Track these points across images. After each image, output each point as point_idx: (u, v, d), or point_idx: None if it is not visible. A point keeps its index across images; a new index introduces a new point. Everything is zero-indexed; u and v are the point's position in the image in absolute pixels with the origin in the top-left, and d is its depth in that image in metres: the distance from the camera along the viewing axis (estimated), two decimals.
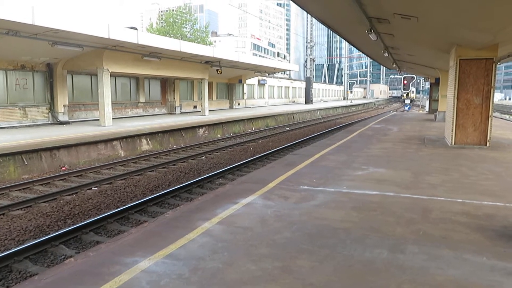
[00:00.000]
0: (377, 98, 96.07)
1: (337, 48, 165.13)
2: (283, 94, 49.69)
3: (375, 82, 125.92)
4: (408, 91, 45.25)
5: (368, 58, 43.25)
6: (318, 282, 3.37)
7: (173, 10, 55.87)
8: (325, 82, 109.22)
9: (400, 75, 47.14)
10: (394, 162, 9.07)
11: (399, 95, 72.76)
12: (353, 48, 29.04)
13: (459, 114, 11.37)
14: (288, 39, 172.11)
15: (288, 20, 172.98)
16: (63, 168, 11.86)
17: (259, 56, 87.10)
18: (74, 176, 10.83)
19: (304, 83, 51.32)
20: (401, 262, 3.73)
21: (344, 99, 77.67)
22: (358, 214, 5.18)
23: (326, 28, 14.14)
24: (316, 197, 6.02)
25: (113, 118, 17.87)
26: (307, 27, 51.89)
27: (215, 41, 79.80)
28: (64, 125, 17.12)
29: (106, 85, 16.96)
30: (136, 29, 17.85)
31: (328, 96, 72.69)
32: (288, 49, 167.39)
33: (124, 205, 7.95)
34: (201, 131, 19.48)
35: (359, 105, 59.32)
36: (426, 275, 3.47)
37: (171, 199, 8.59)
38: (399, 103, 70.05)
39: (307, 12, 12.64)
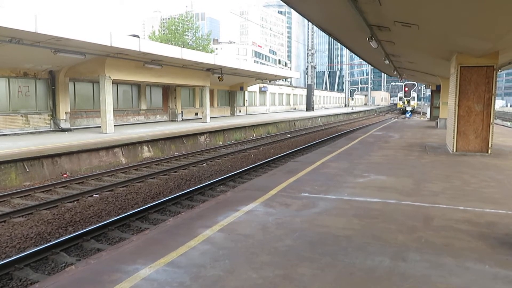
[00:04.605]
0: (378, 105, 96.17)
1: (338, 55, 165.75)
2: (284, 101, 49.80)
3: (376, 89, 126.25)
4: (409, 98, 45.15)
5: (369, 65, 43.39)
6: None
7: (175, 18, 56.17)
8: (326, 89, 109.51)
9: (401, 82, 47.17)
10: (395, 169, 9.06)
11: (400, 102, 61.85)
12: (354, 55, 29.15)
13: (460, 121, 11.37)
14: (289, 47, 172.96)
15: (289, 27, 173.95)
16: (65, 175, 11.87)
17: (260, 63, 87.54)
18: (76, 183, 10.84)
19: (305, 90, 51.42)
20: (403, 270, 3.71)
21: (345, 106, 77.77)
22: (360, 222, 5.17)
23: (327, 36, 14.22)
24: (318, 204, 6.01)
25: (114, 125, 17.92)
26: (308, 35, 52.09)
27: (216, 49, 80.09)
28: (66, 132, 17.16)
29: (108, 92, 17.03)
30: (138, 36, 17.95)
31: (329, 103, 72.82)
32: (289, 56, 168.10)
33: (125, 212, 7.95)
34: (202, 138, 19.51)
35: (360, 112, 59.37)
36: (428, 283, 3.46)
37: (172, 206, 8.58)
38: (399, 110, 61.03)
39: (308, 20, 12.71)
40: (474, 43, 9.58)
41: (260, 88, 40.49)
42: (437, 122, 22.78)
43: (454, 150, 11.52)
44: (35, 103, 17.07)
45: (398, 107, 60.27)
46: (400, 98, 54.01)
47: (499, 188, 7.17)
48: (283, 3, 8.40)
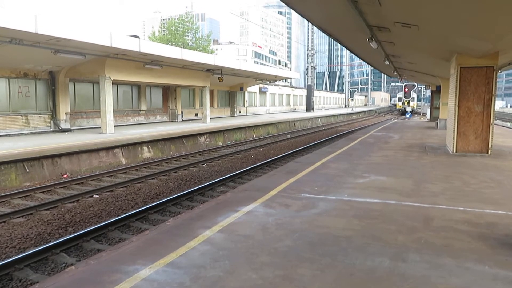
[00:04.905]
0: (378, 105, 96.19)
1: (338, 56, 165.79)
2: (284, 101, 49.81)
3: (376, 89, 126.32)
4: (408, 99, 45.02)
5: (369, 66, 43.40)
6: None
7: (175, 19, 56.17)
8: (326, 89, 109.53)
9: (401, 83, 47.00)
10: (395, 170, 9.06)
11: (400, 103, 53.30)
12: (354, 56, 29.17)
13: (460, 122, 11.37)
14: (289, 47, 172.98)
15: (289, 28, 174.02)
16: (65, 176, 11.87)
17: (260, 64, 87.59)
18: (76, 184, 10.84)
19: (305, 90, 51.44)
20: (403, 270, 3.71)
21: (345, 106, 77.79)
22: (360, 222, 5.17)
23: (327, 36, 14.23)
24: (318, 205, 6.01)
25: (114, 126, 17.91)
26: (308, 35, 52.12)
27: (216, 49, 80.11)
28: (66, 133, 17.16)
29: (108, 93, 17.03)
30: (138, 37, 17.95)
31: (329, 104, 72.85)
32: (289, 57, 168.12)
33: (125, 213, 7.95)
34: (202, 138, 19.51)
35: (360, 112, 59.36)
36: (428, 284, 3.46)
37: (172, 206, 8.58)
38: (398, 111, 55.17)
39: (308, 21, 12.72)
40: (474, 43, 9.59)
41: (260, 88, 40.50)
42: (437, 123, 22.78)
43: (454, 151, 11.52)
44: (35, 103, 17.07)
45: (397, 108, 56.82)
46: (399, 99, 52.63)
47: (499, 188, 7.17)
48: (283, 4, 8.40)
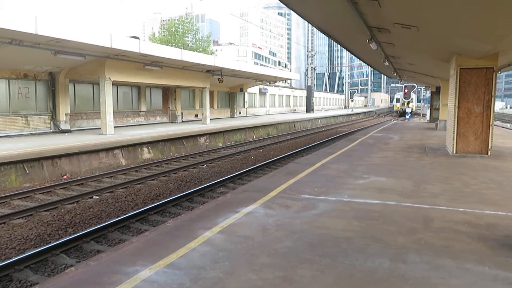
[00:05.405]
0: (378, 106, 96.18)
1: (338, 57, 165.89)
2: (284, 102, 49.82)
3: (376, 90, 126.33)
4: (408, 100, 45.04)
5: (369, 67, 43.24)
6: None
7: (175, 20, 56.19)
8: (326, 90, 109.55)
9: (401, 84, 46.95)
10: (395, 171, 9.06)
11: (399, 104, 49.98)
12: (354, 57, 29.18)
13: (460, 123, 11.38)
14: (289, 48, 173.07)
15: (289, 29, 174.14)
16: (65, 177, 11.87)
17: (260, 65, 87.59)
18: (75, 185, 10.84)
19: (305, 91, 51.45)
20: (403, 271, 3.71)
21: (345, 107, 77.79)
22: (360, 223, 5.17)
23: (327, 37, 14.25)
24: (318, 206, 6.01)
25: (114, 127, 17.91)
26: (308, 36, 52.17)
27: (216, 50, 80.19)
28: (66, 134, 17.16)
29: (108, 94, 17.04)
30: (138, 38, 17.96)
31: (329, 105, 72.87)
32: (289, 58, 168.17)
33: (125, 214, 7.95)
34: (202, 139, 19.51)
35: (360, 113, 59.37)
36: (428, 285, 3.45)
37: (172, 207, 8.58)
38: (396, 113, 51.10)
39: (308, 22, 12.74)
40: (474, 45, 9.60)
41: (260, 89, 40.51)
42: (436, 124, 22.79)
43: (454, 152, 11.53)
44: (35, 104, 17.07)
45: (395, 109, 53.43)
46: (398, 100, 51.42)
47: (498, 189, 7.17)
48: (283, 5, 8.41)
